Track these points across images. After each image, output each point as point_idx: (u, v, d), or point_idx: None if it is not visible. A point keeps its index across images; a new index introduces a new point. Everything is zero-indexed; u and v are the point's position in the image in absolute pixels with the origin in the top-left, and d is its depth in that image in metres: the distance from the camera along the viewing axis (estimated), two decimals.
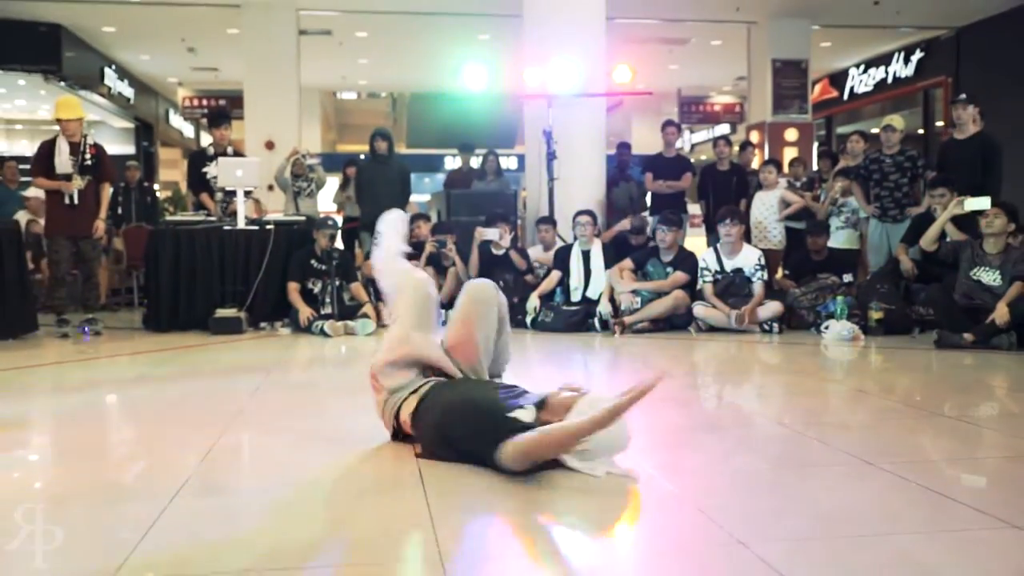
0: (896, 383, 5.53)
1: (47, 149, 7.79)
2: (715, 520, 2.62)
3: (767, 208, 9.19)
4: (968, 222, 7.15)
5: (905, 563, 2.23)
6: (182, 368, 6.20)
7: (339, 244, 9.84)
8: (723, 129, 20.66)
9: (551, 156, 9.28)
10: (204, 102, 20.59)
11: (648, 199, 10.24)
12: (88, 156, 7.80)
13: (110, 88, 17.43)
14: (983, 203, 6.94)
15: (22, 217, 9.58)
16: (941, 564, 2.23)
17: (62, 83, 15.73)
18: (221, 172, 8.54)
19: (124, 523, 2.53)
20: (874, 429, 4.03)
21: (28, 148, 19.17)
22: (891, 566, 2.21)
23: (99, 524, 2.63)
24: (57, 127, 7.91)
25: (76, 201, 7.70)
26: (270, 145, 12.53)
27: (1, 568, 2.34)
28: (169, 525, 2.54)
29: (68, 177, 7.68)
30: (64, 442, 4.02)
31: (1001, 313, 6.24)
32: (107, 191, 8.13)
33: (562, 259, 8.33)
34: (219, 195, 8.54)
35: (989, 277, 6.66)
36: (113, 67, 17.54)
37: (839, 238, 8.76)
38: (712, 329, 7.66)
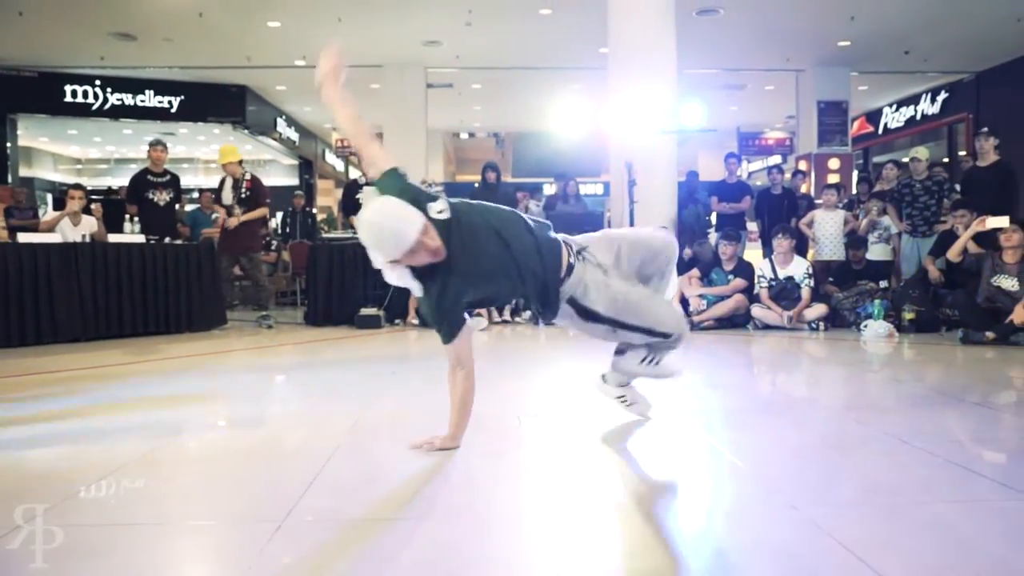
0: (926, 374, 5.35)
1: (220, 185, 8.26)
2: (770, 488, 2.55)
3: (834, 226, 8.88)
4: (986, 237, 6.98)
5: (938, 527, 2.15)
6: (335, 355, 6.33)
7: None
8: (776, 159, 20.22)
9: (631, 183, 9.21)
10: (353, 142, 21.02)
11: (713, 218, 10.12)
12: (244, 189, 8.10)
13: (281, 133, 17.97)
14: (1003, 221, 6.84)
15: (211, 233, 9.93)
16: (969, 529, 2.15)
17: (246, 131, 16.34)
18: (366, 198, 8.72)
19: (290, 478, 2.58)
20: (907, 412, 3.89)
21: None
22: (926, 529, 2.13)
23: (270, 479, 2.69)
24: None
25: (232, 227, 8.08)
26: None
27: (197, 509, 2.42)
28: (326, 480, 2.58)
29: (229, 209, 8.09)
30: (243, 412, 4.14)
31: (1019, 314, 6.22)
32: (258, 212, 8.41)
33: None
34: None
35: (1008, 283, 6.57)
36: (284, 117, 18.07)
37: (875, 251, 8.61)
38: (767, 327, 7.57)
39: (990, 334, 6.31)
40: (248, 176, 8.30)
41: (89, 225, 7.60)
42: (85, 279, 6.87)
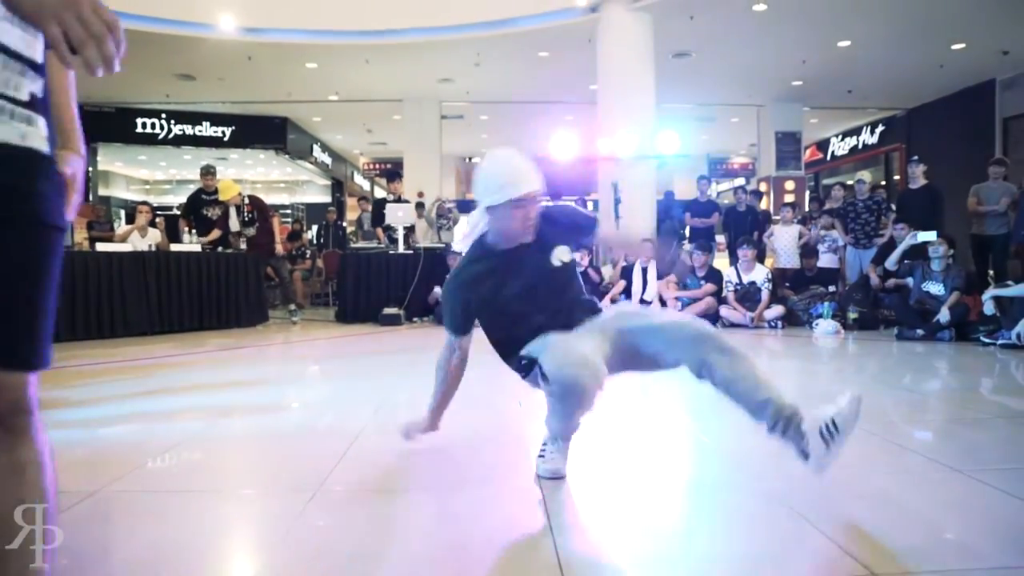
0: (867, 365, 5.33)
1: (224, 218, 8.18)
2: (734, 464, 2.56)
3: (790, 239, 8.88)
4: (918, 249, 7.00)
5: (878, 496, 2.16)
6: (362, 347, 6.34)
7: None
8: (740, 181, 20.19)
9: (617, 201, 9.22)
10: (376, 165, 21.03)
11: (687, 231, 10.11)
12: (247, 213, 8.13)
13: (316, 158, 17.96)
14: (931, 235, 6.87)
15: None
16: (903, 496, 2.15)
17: (287, 156, 16.37)
18: (389, 213, 8.73)
19: (323, 454, 2.58)
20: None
21: (265, 199, 19.93)
22: (868, 498, 2.14)
23: (306, 454, 2.69)
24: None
25: (245, 246, 8.18)
26: (420, 195, 12.73)
27: (244, 478, 2.42)
28: (354, 456, 2.59)
29: (239, 233, 8.17)
30: (283, 396, 4.15)
31: (944, 314, 6.29)
32: (274, 222, 8.56)
33: (626, 273, 8.26)
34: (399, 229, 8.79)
35: (935, 288, 6.58)
36: (319, 144, 18.07)
37: (825, 259, 8.58)
38: (733, 325, 7.55)
39: (920, 331, 6.36)
40: (247, 200, 8.35)
41: (154, 236, 7.63)
42: (151, 282, 6.90)
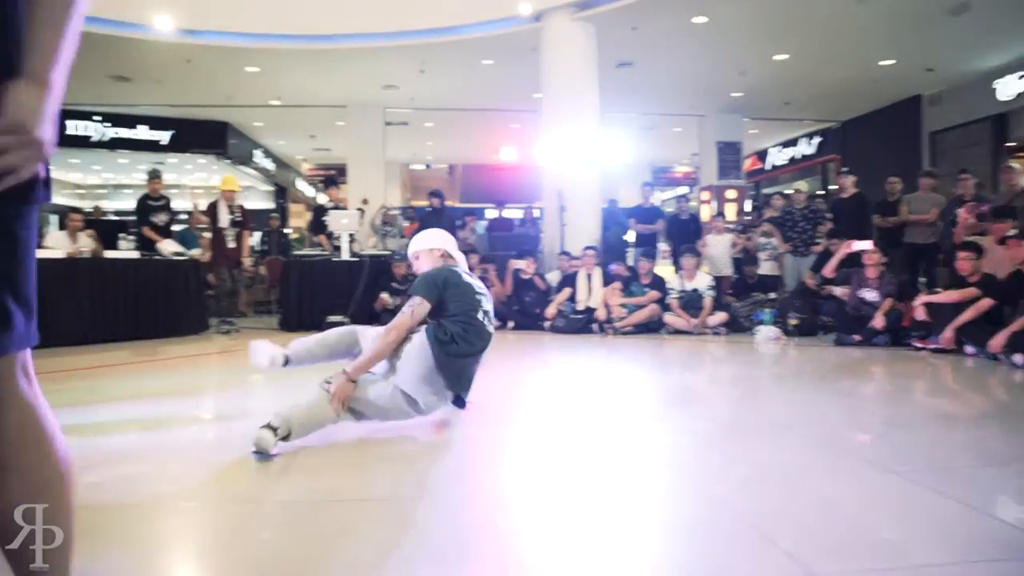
0: (805, 370, 5.47)
1: (213, 209, 8.06)
2: (679, 470, 2.58)
3: (722, 247, 9.10)
4: (852, 257, 7.17)
5: (817, 498, 2.21)
6: None
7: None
8: (683, 190, 20.58)
9: (562, 209, 9.29)
10: (320, 171, 20.76)
11: (631, 236, 10.22)
12: (238, 214, 8.06)
13: (258, 164, 17.66)
14: (866, 244, 7.05)
15: (195, 252, 9.71)
16: (841, 498, 2.21)
17: (227, 161, 16.03)
18: (332, 220, 8.62)
19: (266, 465, 2.52)
20: (792, 403, 3.98)
21: (204, 206, 19.45)
22: (810, 501, 2.19)
23: (250, 465, 2.61)
24: (219, 194, 8.27)
25: (231, 244, 8.11)
26: (365, 201, 12.61)
27: (183, 490, 2.34)
28: (298, 467, 2.53)
29: (223, 229, 8.10)
30: (224, 405, 4.05)
31: (879, 320, 6.44)
32: (247, 237, 8.54)
33: (570, 281, 8.31)
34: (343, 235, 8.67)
35: (870, 295, 6.72)
36: (261, 149, 17.76)
37: (765, 267, 8.78)
38: (677, 332, 7.63)
39: (857, 337, 6.52)
40: (239, 204, 8.31)
41: (87, 243, 7.37)
42: (84, 290, 6.65)
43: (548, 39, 9.80)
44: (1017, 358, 5.04)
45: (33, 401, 1.09)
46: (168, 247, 7.83)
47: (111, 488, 2.38)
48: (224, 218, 8.06)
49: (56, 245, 7.16)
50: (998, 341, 5.18)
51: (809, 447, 2.84)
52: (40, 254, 5.43)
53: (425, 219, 10.08)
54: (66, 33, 1.06)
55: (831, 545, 1.80)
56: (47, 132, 1.04)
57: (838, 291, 6.98)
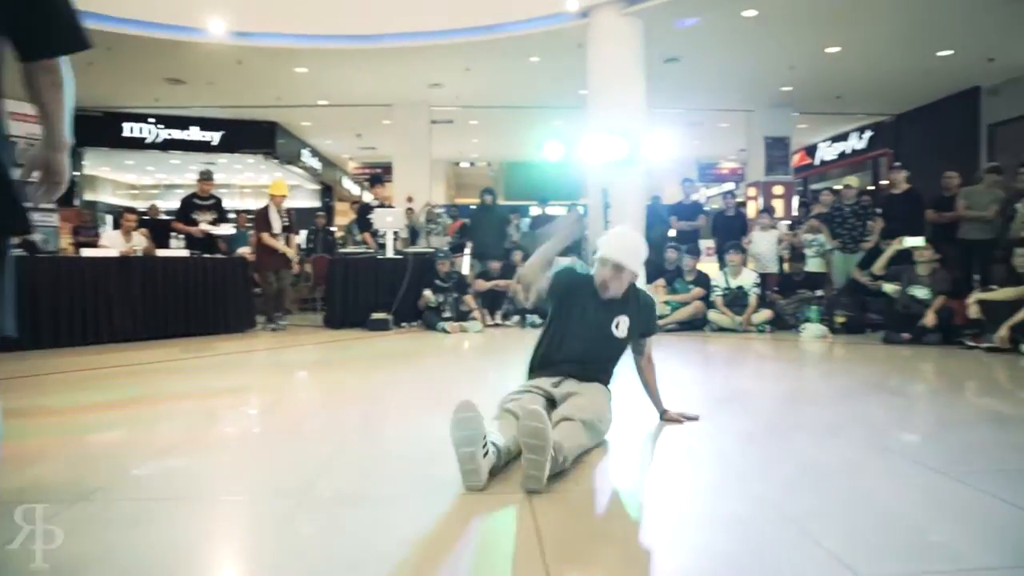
0: (855, 368, 5.36)
1: (265, 213, 8.19)
2: (723, 467, 2.56)
3: (768, 244, 8.96)
4: (904, 253, 7.07)
5: (863, 499, 2.18)
6: (350, 353, 6.31)
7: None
8: (729, 186, 20.29)
9: (607, 205, 9.24)
10: (366, 170, 21.00)
11: (672, 233, 10.13)
12: (287, 219, 8.18)
13: (305, 163, 17.93)
14: (918, 241, 6.97)
15: (244, 251, 9.91)
16: (888, 499, 2.16)
17: (276, 161, 16.34)
18: (377, 218, 8.72)
19: (310, 459, 2.58)
20: (839, 402, 3.91)
21: (253, 204, 19.87)
22: (856, 502, 2.15)
23: (294, 459, 2.68)
24: (269, 198, 8.34)
25: (280, 248, 8.17)
26: (410, 199, 12.73)
27: (230, 484, 2.41)
28: (342, 461, 2.59)
29: (286, 232, 8.21)
30: (271, 401, 4.12)
31: (930, 318, 6.37)
32: (295, 239, 8.63)
33: None
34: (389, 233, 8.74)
35: (921, 293, 6.63)
36: (308, 149, 18.04)
37: (812, 264, 8.60)
38: (721, 329, 7.57)
39: (906, 335, 6.40)
40: (287, 208, 8.41)
41: (140, 241, 7.59)
42: (137, 287, 6.87)
43: (595, 35, 9.75)
44: None
45: None
46: (207, 227, 8.06)
47: (161, 481, 2.46)
48: (276, 224, 8.17)
49: (111, 244, 7.38)
50: None
51: (856, 446, 2.79)
52: (95, 253, 5.68)
53: (476, 216, 10.15)
54: (64, 109, 1.51)
55: (877, 546, 1.77)
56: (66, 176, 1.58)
57: (889, 288, 6.84)
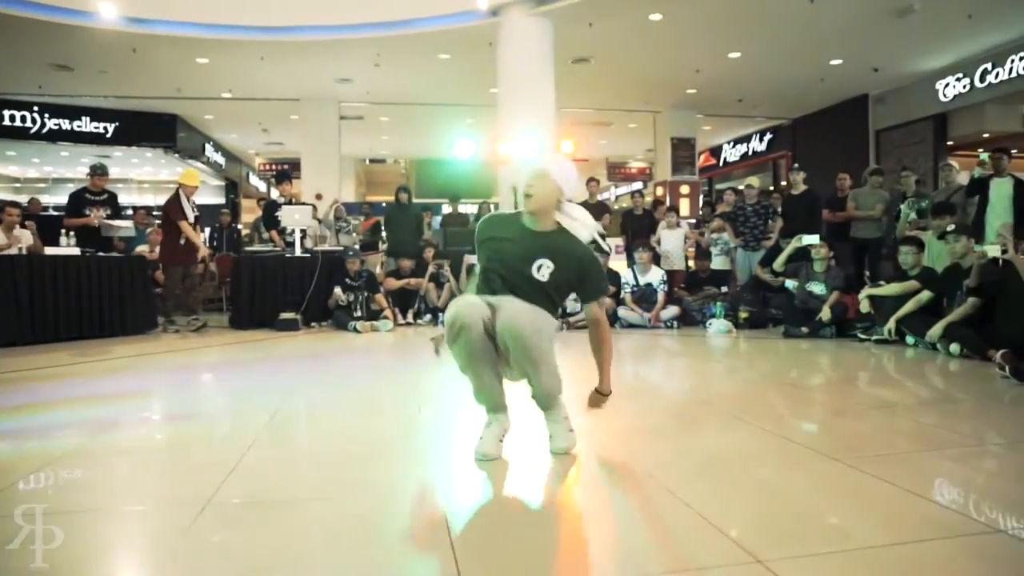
0: (757, 362, 5.57)
1: (178, 202, 7.81)
2: (632, 460, 2.61)
3: (675, 242, 9.21)
4: (802, 251, 7.35)
5: (763, 488, 2.26)
6: (258, 354, 6.12)
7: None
8: (638, 185, 20.77)
9: (517, 204, 9.30)
10: (273, 166, 20.43)
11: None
12: (197, 211, 7.93)
13: (209, 158, 17.31)
14: (813, 239, 7.27)
15: (143, 249, 9.47)
16: (789, 488, 2.25)
17: (176, 155, 15.69)
18: (284, 216, 8.49)
19: (214, 465, 2.48)
20: (741, 394, 4.06)
21: (151, 200, 19.01)
22: (754, 491, 2.23)
23: (196, 466, 2.59)
24: (176, 187, 7.98)
25: (184, 242, 7.81)
26: (319, 196, 12.46)
27: (129, 494, 2.29)
28: (247, 466, 2.50)
29: (194, 224, 7.89)
30: (172, 407, 3.97)
31: (825, 313, 6.64)
32: (201, 235, 8.38)
33: None
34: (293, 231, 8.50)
35: (817, 288, 6.91)
36: (211, 143, 17.42)
37: (717, 261, 8.90)
38: (631, 326, 7.72)
39: (804, 329, 6.70)
40: (194, 200, 8.08)
41: (24, 239, 7.12)
42: (22, 288, 6.44)
43: (505, 34, 9.79)
44: (953, 347, 5.23)
45: None
46: (104, 221, 7.69)
47: (53, 494, 2.32)
48: (190, 214, 7.81)
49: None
50: (935, 331, 5.36)
51: (758, 437, 2.90)
52: None
53: (391, 214, 10.00)
54: None
55: (778, 532, 1.85)
56: None
57: (791, 284, 7.15)
